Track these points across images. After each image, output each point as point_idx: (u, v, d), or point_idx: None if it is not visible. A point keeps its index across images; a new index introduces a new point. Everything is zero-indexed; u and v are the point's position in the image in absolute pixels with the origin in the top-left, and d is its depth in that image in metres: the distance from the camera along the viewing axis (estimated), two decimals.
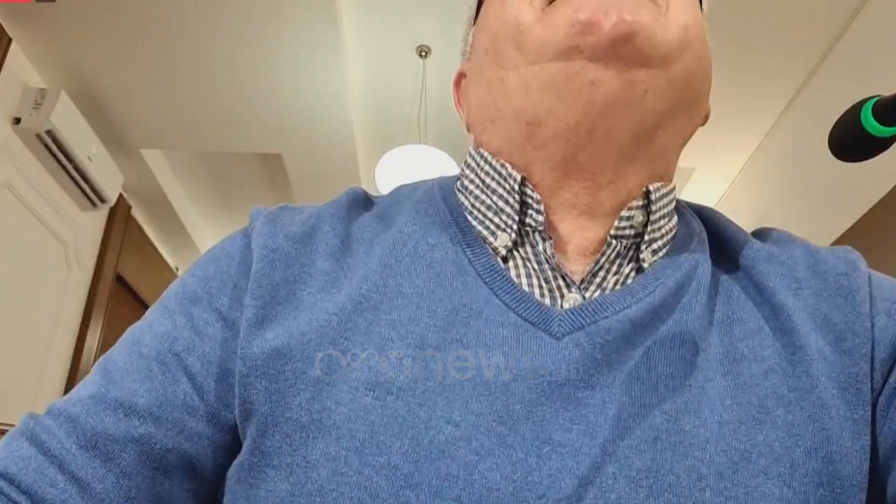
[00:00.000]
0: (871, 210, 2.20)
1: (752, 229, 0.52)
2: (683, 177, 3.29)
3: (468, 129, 0.51)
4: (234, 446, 0.42)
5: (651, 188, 0.44)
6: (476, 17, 0.51)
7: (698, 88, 0.44)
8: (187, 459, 0.41)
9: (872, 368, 0.40)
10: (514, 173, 0.44)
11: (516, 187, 0.44)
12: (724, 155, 3.13)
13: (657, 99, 0.41)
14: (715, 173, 3.27)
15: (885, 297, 0.43)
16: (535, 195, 0.44)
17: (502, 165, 0.45)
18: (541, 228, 0.44)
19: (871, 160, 0.45)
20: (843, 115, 0.45)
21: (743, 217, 3.13)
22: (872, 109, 0.43)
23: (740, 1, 2.27)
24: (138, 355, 0.43)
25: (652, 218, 0.45)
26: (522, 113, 0.43)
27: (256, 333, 0.41)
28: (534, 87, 0.42)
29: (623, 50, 0.39)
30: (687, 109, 0.44)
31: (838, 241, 2.34)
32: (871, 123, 0.43)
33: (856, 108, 0.44)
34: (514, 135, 0.44)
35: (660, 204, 0.45)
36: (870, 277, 0.44)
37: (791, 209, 2.77)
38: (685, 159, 0.48)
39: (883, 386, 0.41)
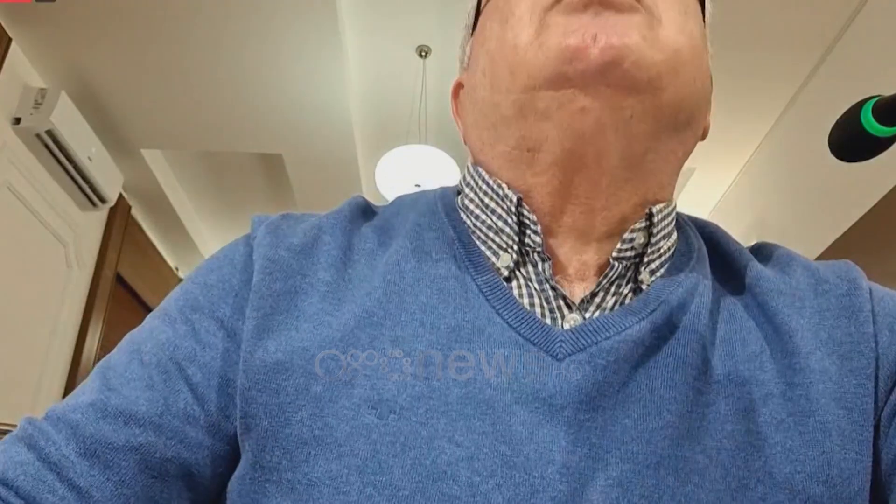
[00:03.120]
0: (871, 210, 2.20)
1: (751, 234, 0.52)
2: (684, 177, 3.29)
3: (465, 142, 0.51)
4: (233, 457, 0.42)
5: (654, 210, 0.44)
6: (474, 27, 0.50)
7: (690, 112, 0.43)
8: (186, 468, 0.41)
9: (876, 387, 0.40)
10: (511, 194, 0.44)
11: (513, 208, 0.44)
12: (724, 155, 3.13)
13: (642, 124, 0.41)
14: (715, 173, 3.27)
15: (886, 313, 0.43)
16: (531, 216, 0.44)
17: (499, 186, 0.45)
18: (539, 249, 0.44)
19: (871, 160, 0.45)
20: (843, 115, 0.45)
21: (743, 217, 3.13)
22: (872, 109, 0.43)
23: (740, 1, 2.27)
24: (139, 363, 0.42)
25: (653, 240, 0.44)
26: (524, 140, 0.43)
27: (258, 344, 0.41)
28: (531, 116, 0.42)
29: (611, 75, 0.39)
30: (677, 132, 0.43)
31: (838, 241, 2.34)
32: (871, 123, 0.43)
33: (856, 108, 0.44)
34: (515, 161, 0.44)
35: (661, 225, 0.45)
36: (871, 293, 0.44)
37: (791, 209, 2.77)
38: None
39: (885, 403, 0.40)
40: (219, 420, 0.42)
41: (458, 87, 0.54)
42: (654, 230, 0.44)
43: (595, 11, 0.39)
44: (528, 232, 0.44)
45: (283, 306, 0.42)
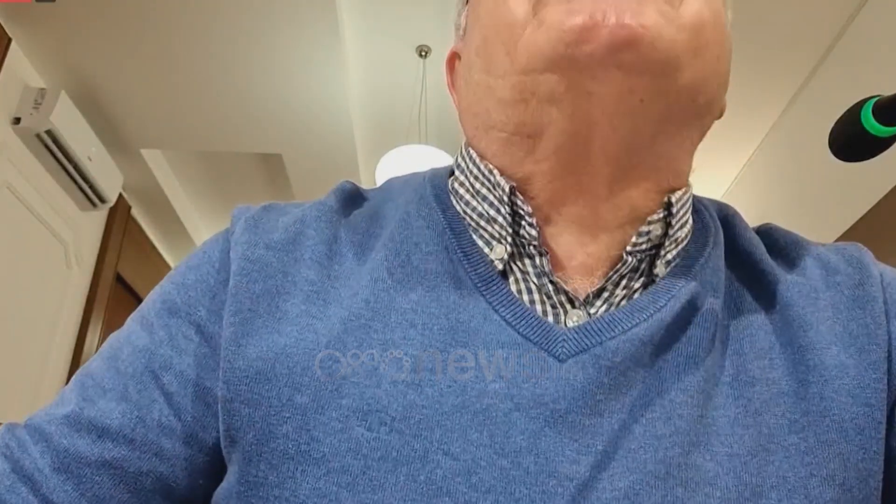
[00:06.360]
0: (871, 210, 2.20)
1: (755, 226, 0.51)
2: None
3: (460, 120, 0.48)
4: (213, 468, 0.41)
5: (673, 199, 0.41)
6: None
7: (711, 94, 0.39)
8: (163, 481, 0.39)
9: (889, 379, 0.39)
10: (503, 182, 0.41)
11: (506, 198, 0.41)
12: (724, 155, 3.13)
13: (653, 107, 0.37)
14: (715, 173, 3.27)
15: (895, 301, 0.41)
16: (526, 208, 0.41)
17: (491, 172, 0.42)
18: (535, 243, 0.41)
19: (871, 160, 0.45)
20: (843, 115, 0.45)
21: (744, 216, 3.12)
22: (872, 109, 0.43)
23: (740, 0, 2.27)
24: (115, 371, 0.41)
25: (670, 231, 0.42)
26: (524, 126, 0.39)
27: (238, 352, 0.39)
28: (532, 100, 0.38)
29: (623, 57, 0.35)
30: (695, 116, 0.40)
31: (839, 241, 2.33)
32: (871, 123, 0.43)
33: (856, 108, 0.44)
34: (513, 148, 0.41)
35: (679, 214, 0.42)
36: (882, 280, 0.42)
37: (791, 209, 2.77)
38: None
39: None
40: (196, 431, 0.40)
41: (454, 56, 0.49)
42: (672, 221, 0.41)
43: None
44: (522, 223, 0.41)
45: (264, 308, 0.40)
